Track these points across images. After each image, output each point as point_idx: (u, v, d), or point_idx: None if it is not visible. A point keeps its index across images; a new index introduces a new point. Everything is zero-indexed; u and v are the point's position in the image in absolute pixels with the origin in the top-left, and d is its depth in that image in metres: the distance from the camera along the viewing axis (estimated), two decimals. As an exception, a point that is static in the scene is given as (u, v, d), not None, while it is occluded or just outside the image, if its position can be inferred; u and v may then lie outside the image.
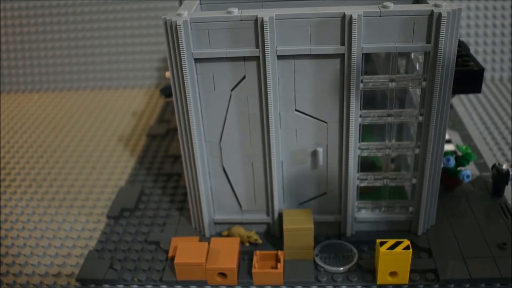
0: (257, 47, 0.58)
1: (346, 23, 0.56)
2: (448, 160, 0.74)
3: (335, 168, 0.66)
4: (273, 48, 0.58)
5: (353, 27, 0.56)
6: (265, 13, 0.57)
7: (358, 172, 0.67)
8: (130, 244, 0.72)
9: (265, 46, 0.58)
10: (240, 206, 0.71)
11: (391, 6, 0.56)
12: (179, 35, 0.57)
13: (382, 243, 0.61)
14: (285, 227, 0.65)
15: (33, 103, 1.23)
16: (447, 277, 0.63)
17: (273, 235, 0.71)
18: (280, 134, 0.64)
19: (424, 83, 0.60)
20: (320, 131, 0.64)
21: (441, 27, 0.55)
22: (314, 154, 0.65)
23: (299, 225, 0.65)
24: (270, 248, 0.69)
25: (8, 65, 1.31)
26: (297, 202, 0.69)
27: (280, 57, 0.59)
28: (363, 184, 0.68)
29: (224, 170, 0.68)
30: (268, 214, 0.71)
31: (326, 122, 0.63)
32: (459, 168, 0.75)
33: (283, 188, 0.68)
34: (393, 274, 0.63)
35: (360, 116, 0.63)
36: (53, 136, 1.06)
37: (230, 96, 0.62)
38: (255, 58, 0.59)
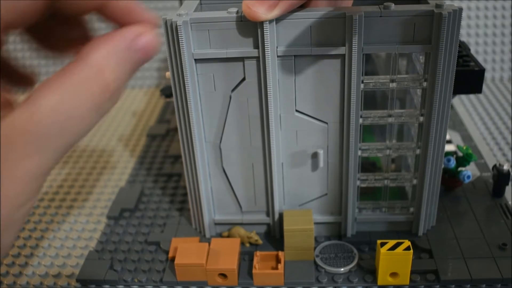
0: (258, 47, 0.58)
1: (346, 23, 0.56)
2: (449, 160, 0.74)
3: (336, 169, 0.66)
4: (274, 48, 0.58)
5: (353, 27, 0.56)
6: (266, 14, 0.57)
7: (358, 172, 0.67)
8: (130, 245, 0.71)
9: (265, 47, 0.57)
10: (240, 207, 0.70)
11: (392, 6, 0.56)
12: (179, 35, 0.57)
13: (382, 244, 0.61)
14: (285, 227, 0.65)
15: (33, 103, 1.23)
16: (448, 278, 0.62)
17: (274, 236, 0.71)
18: (280, 135, 0.64)
19: (425, 84, 0.60)
20: (320, 133, 0.64)
21: (442, 27, 0.55)
22: (315, 156, 0.65)
23: (300, 226, 0.64)
24: (270, 248, 0.69)
25: (8, 65, 1.31)
26: (297, 203, 0.69)
27: (280, 57, 0.59)
28: (364, 185, 0.68)
29: (224, 171, 0.68)
30: (268, 215, 0.70)
31: (326, 123, 0.63)
32: (459, 169, 0.75)
33: (283, 189, 0.68)
34: (393, 274, 0.62)
35: (361, 116, 0.63)
36: (53, 136, 1.06)
37: (230, 97, 0.62)
38: (255, 59, 0.59)
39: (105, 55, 0.41)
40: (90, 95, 0.40)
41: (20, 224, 0.41)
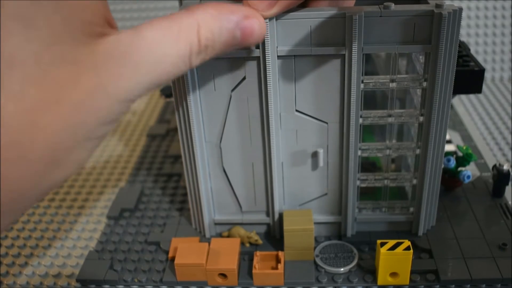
0: (258, 47, 0.58)
1: (346, 23, 0.56)
2: (449, 160, 0.74)
3: (336, 169, 0.66)
4: (274, 48, 0.58)
5: (353, 27, 0.56)
6: (266, 14, 0.56)
7: (358, 172, 0.67)
8: (130, 245, 0.71)
9: (266, 47, 0.57)
10: (240, 207, 0.70)
11: (392, 6, 0.56)
12: (179, 35, 0.57)
13: (382, 244, 0.61)
14: (285, 227, 0.65)
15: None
16: (448, 278, 0.63)
17: (274, 236, 0.71)
18: (280, 135, 0.64)
19: (424, 84, 0.60)
20: (320, 132, 0.64)
21: (442, 27, 0.55)
22: (315, 155, 0.65)
23: (300, 226, 0.64)
24: (270, 248, 0.69)
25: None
26: (297, 203, 0.69)
27: (280, 57, 0.59)
28: (364, 185, 0.68)
29: (224, 170, 0.68)
30: (268, 215, 0.70)
31: (326, 123, 0.63)
32: (459, 169, 0.75)
33: (283, 189, 0.68)
34: (393, 274, 0.62)
35: (361, 116, 0.63)
36: (53, 136, 1.06)
37: (230, 96, 0.62)
38: (256, 58, 0.59)
39: (209, 15, 0.46)
40: (184, 42, 0.44)
41: (96, 143, 0.42)
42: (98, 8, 0.41)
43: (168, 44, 0.43)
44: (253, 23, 0.49)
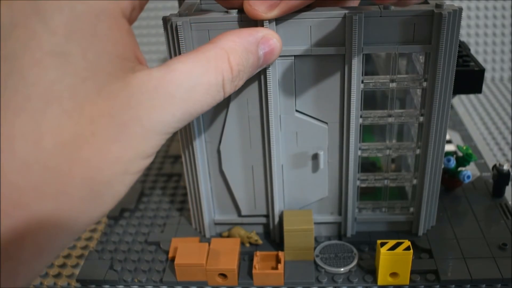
0: (258, 47, 0.58)
1: (346, 23, 0.56)
2: (449, 160, 0.74)
3: (336, 169, 0.66)
4: (274, 48, 0.58)
5: (353, 27, 0.55)
6: (266, 14, 0.56)
7: (358, 172, 0.67)
8: (130, 245, 0.71)
9: (266, 47, 0.57)
10: (240, 211, 0.70)
11: (392, 6, 0.56)
12: (179, 35, 0.57)
13: (382, 244, 0.61)
14: (285, 227, 0.65)
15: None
16: (448, 278, 0.62)
17: (274, 240, 0.71)
18: (280, 137, 0.64)
19: (424, 84, 0.60)
20: (320, 134, 0.64)
21: (442, 27, 0.55)
22: (315, 157, 0.65)
23: (300, 226, 0.64)
24: (270, 248, 0.69)
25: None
26: (298, 206, 0.69)
27: (280, 57, 0.59)
28: (364, 185, 0.68)
29: (224, 173, 0.68)
30: (268, 218, 0.70)
31: (326, 123, 0.63)
32: (459, 169, 0.75)
33: (283, 192, 0.68)
34: (393, 275, 0.62)
35: (361, 116, 0.63)
36: (53, 136, 1.06)
37: (230, 98, 0.62)
38: (256, 59, 0.59)
39: (234, 42, 0.47)
40: (215, 70, 0.45)
41: (134, 178, 0.42)
42: (129, 43, 0.42)
43: (198, 73, 0.44)
44: (271, 39, 0.51)
